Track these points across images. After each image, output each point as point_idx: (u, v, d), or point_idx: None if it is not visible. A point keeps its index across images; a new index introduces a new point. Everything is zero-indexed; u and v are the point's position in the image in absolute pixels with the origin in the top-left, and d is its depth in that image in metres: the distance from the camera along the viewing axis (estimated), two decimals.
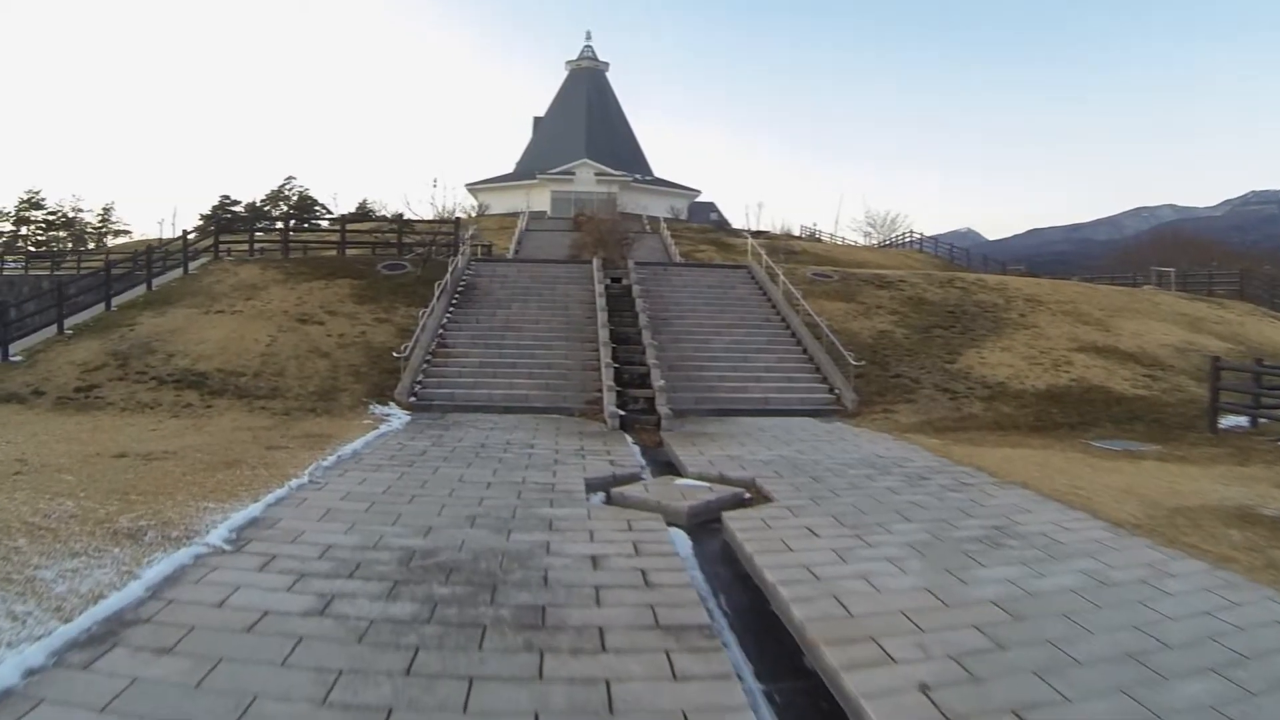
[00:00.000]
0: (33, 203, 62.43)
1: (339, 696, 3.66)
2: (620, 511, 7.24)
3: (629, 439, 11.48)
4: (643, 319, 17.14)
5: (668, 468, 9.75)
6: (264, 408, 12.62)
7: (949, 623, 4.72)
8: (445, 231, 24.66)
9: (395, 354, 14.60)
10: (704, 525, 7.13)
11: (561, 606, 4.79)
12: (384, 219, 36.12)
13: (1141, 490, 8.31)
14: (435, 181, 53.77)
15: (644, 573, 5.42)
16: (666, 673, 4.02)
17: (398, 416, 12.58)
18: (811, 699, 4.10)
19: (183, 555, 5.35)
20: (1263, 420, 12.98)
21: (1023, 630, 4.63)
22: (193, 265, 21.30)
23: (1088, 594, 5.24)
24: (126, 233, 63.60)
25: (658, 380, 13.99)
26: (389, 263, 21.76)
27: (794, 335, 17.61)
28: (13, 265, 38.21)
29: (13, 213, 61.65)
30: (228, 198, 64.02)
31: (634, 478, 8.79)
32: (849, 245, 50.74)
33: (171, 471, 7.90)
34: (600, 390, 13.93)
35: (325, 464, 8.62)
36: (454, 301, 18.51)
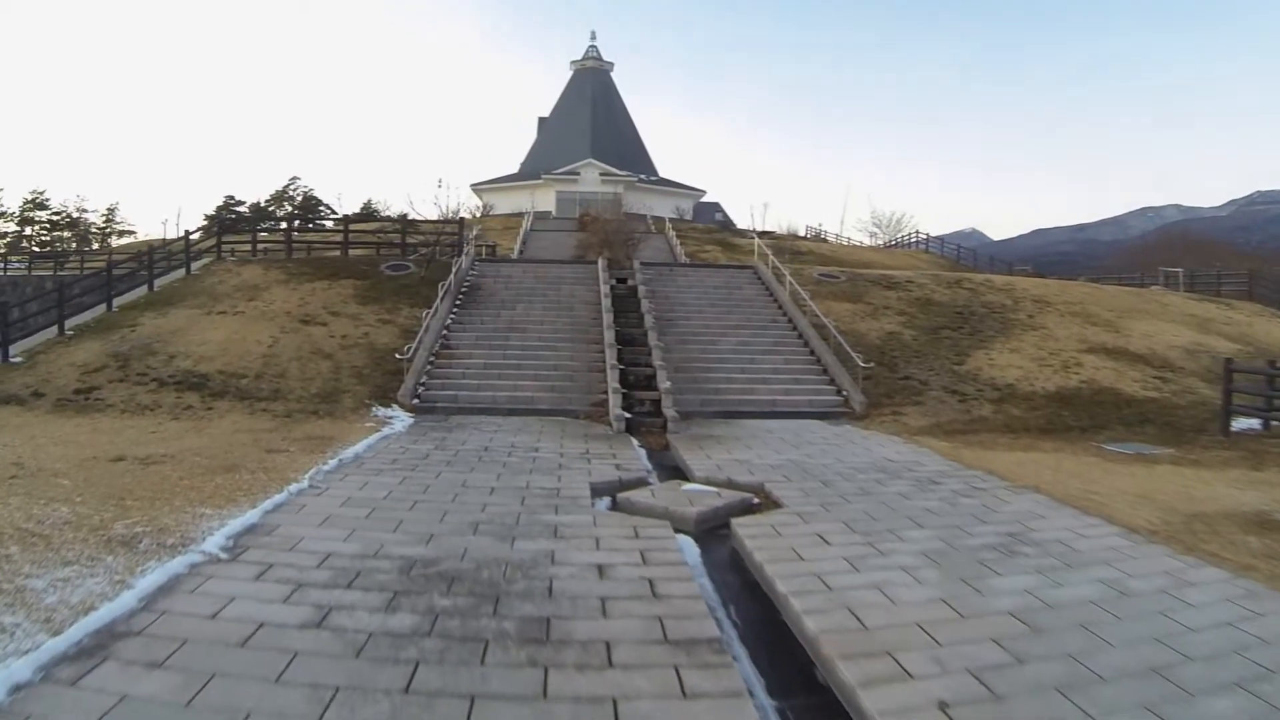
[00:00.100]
0: (37, 203, 62.49)
1: (335, 715, 3.52)
2: (626, 518, 7.09)
3: (635, 442, 11.34)
4: (648, 320, 16.99)
5: (674, 472, 9.60)
6: (265, 410, 12.49)
7: (966, 635, 4.57)
8: (449, 232, 24.50)
9: (398, 355, 14.46)
10: (712, 532, 6.99)
11: (567, 619, 4.65)
12: (388, 219, 36.00)
13: (1156, 495, 8.15)
14: (440, 182, 53.71)
15: (651, 583, 5.28)
16: (675, 690, 3.88)
17: (400, 419, 12.45)
18: (826, 717, 3.95)
19: (177, 564, 5.22)
20: (1275, 423, 12.79)
21: (1042, 643, 4.48)
22: (195, 266, 21.21)
23: (1107, 605, 5.09)
24: (131, 233, 63.64)
25: (664, 382, 13.84)
26: (392, 263, 21.63)
27: (801, 336, 17.45)
28: (16, 265, 38.12)
29: (17, 213, 61.76)
30: (232, 198, 64.11)
31: (640, 482, 8.66)
32: (854, 245, 50.53)
33: (169, 476, 7.77)
34: (605, 392, 13.78)
35: (326, 468, 8.49)
36: (458, 302, 18.38)
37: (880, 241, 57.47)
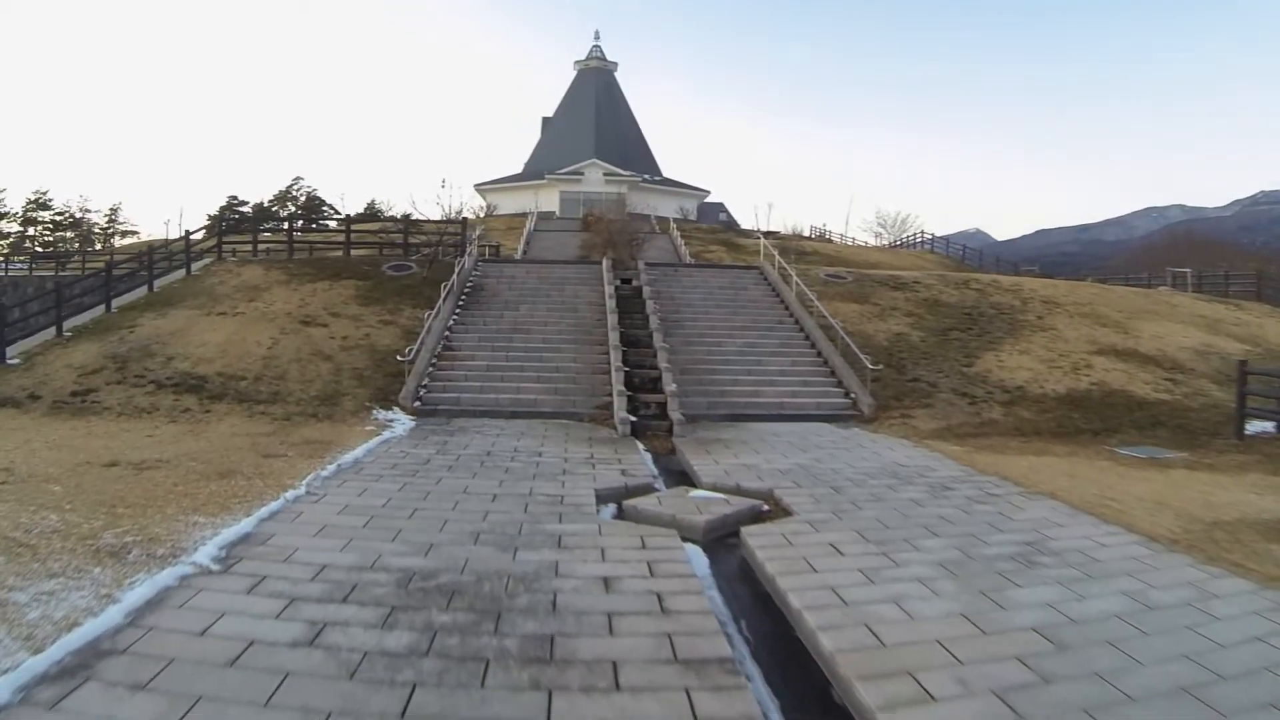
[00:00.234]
0: (40, 203, 62.55)
1: None
2: (633, 527, 6.88)
3: (640, 446, 11.12)
4: (653, 321, 16.78)
5: (681, 477, 9.39)
6: (264, 413, 12.29)
7: (989, 653, 4.37)
8: (452, 232, 24.32)
9: (400, 357, 14.26)
10: (721, 540, 6.79)
11: (571, 637, 4.44)
12: (391, 219, 35.82)
13: (1174, 502, 7.96)
14: (443, 182, 53.56)
15: (660, 597, 5.06)
16: (686, 714, 3.67)
17: (401, 422, 12.25)
18: None
19: (166, 576, 5.03)
20: None
21: (1068, 661, 4.29)
22: (196, 266, 21.07)
23: (1132, 619, 4.90)
24: (134, 233, 63.75)
25: (669, 384, 13.62)
26: (394, 263, 21.45)
27: (808, 338, 17.23)
28: (19, 266, 38.05)
29: (20, 213, 61.77)
30: (235, 198, 64.16)
31: (646, 489, 8.44)
32: (859, 246, 50.38)
33: (163, 482, 7.58)
34: (610, 395, 13.58)
35: (324, 474, 8.28)
36: (460, 303, 18.20)
37: (885, 242, 57.34)
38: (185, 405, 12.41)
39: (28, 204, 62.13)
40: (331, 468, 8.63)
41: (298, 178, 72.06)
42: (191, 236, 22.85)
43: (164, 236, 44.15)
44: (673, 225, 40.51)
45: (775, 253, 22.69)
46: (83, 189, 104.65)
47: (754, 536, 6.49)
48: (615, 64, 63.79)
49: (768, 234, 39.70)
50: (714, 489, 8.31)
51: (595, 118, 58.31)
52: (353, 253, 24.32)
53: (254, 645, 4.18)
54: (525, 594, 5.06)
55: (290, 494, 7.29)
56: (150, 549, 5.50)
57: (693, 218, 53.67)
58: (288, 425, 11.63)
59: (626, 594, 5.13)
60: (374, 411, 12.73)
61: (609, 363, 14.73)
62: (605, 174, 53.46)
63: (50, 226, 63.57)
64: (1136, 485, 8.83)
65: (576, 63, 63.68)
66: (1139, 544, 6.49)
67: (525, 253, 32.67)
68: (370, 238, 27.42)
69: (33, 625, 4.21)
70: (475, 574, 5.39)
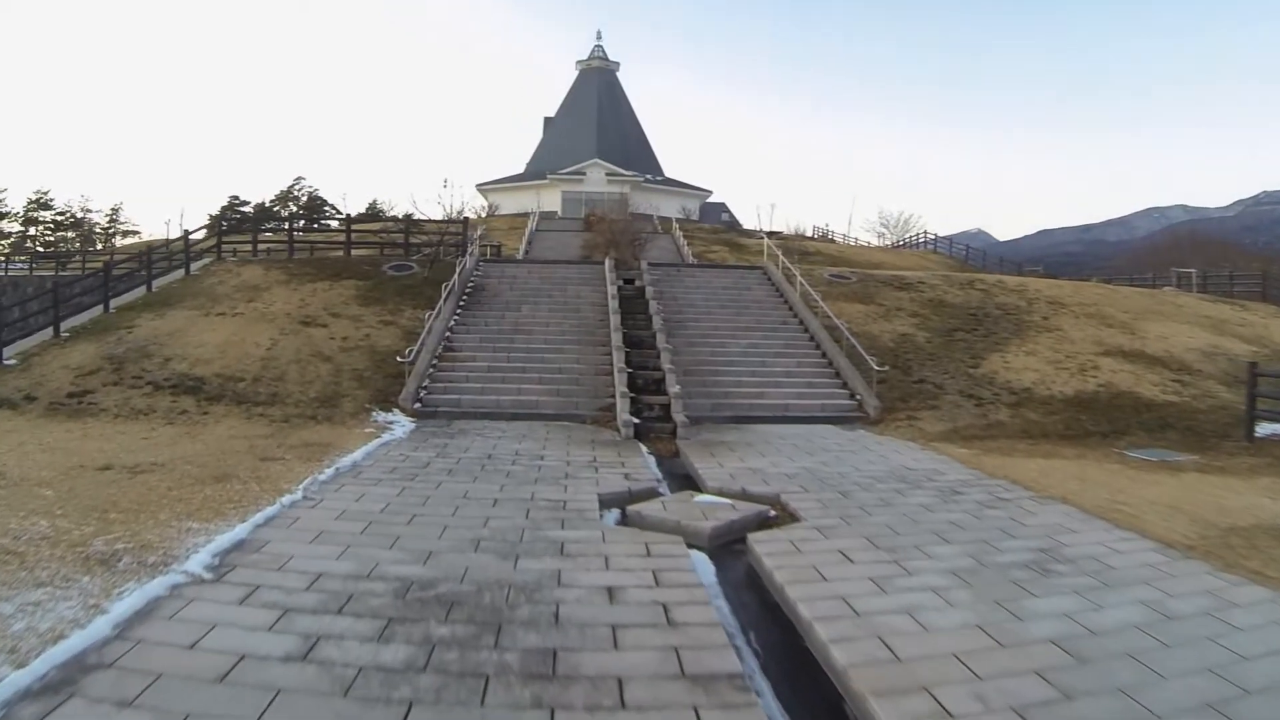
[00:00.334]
0: (41, 203, 62.55)
1: None
2: (637, 533, 6.71)
3: (644, 449, 10.97)
4: (657, 322, 16.61)
5: (685, 481, 9.24)
6: (262, 415, 12.14)
7: (1007, 667, 4.22)
8: (453, 232, 24.16)
9: (400, 358, 14.09)
10: (727, 547, 6.64)
11: (574, 651, 4.28)
12: (392, 219, 35.68)
13: (1188, 506, 7.82)
14: (445, 182, 53.43)
15: (666, 608, 4.90)
16: None
17: (401, 424, 12.09)
18: None
19: (157, 585, 4.88)
20: None
21: (1089, 676, 4.15)
22: (195, 266, 20.92)
23: (1152, 630, 4.76)
24: (135, 233, 63.73)
25: (673, 386, 13.45)
26: (395, 263, 21.29)
27: (813, 339, 17.06)
28: (19, 265, 37.97)
29: (21, 213, 61.75)
30: (236, 198, 64.16)
31: (651, 493, 8.28)
32: (862, 246, 50.24)
33: (157, 486, 7.43)
34: (613, 396, 13.41)
35: (322, 478, 8.13)
36: (462, 303, 18.04)
37: (888, 242, 57.21)
38: (183, 407, 12.27)
39: (29, 204, 62.18)
40: (329, 471, 8.48)
41: (299, 178, 71.99)
42: (191, 236, 22.70)
43: (165, 236, 44.07)
44: (675, 225, 40.36)
45: (779, 253, 22.52)
46: (84, 189, 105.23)
47: (761, 544, 6.34)
48: (617, 64, 63.71)
49: (770, 234, 39.53)
50: (719, 494, 8.15)
51: (597, 117, 58.23)
52: (353, 252, 24.18)
53: (245, 659, 4.03)
54: (527, 605, 4.90)
55: (287, 499, 7.14)
56: (141, 556, 5.35)
57: (695, 218, 53.58)
58: (286, 427, 11.48)
59: (631, 604, 4.98)
60: (374, 413, 12.58)
61: (612, 364, 14.56)
62: (607, 174, 53.37)
63: (51, 226, 63.59)
64: (1148, 489, 8.69)
65: (578, 62, 63.57)
66: (1154, 550, 6.36)
67: (527, 253, 32.54)
68: (371, 237, 27.27)
69: (17, 638, 4.08)
70: (475, 583, 5.23)
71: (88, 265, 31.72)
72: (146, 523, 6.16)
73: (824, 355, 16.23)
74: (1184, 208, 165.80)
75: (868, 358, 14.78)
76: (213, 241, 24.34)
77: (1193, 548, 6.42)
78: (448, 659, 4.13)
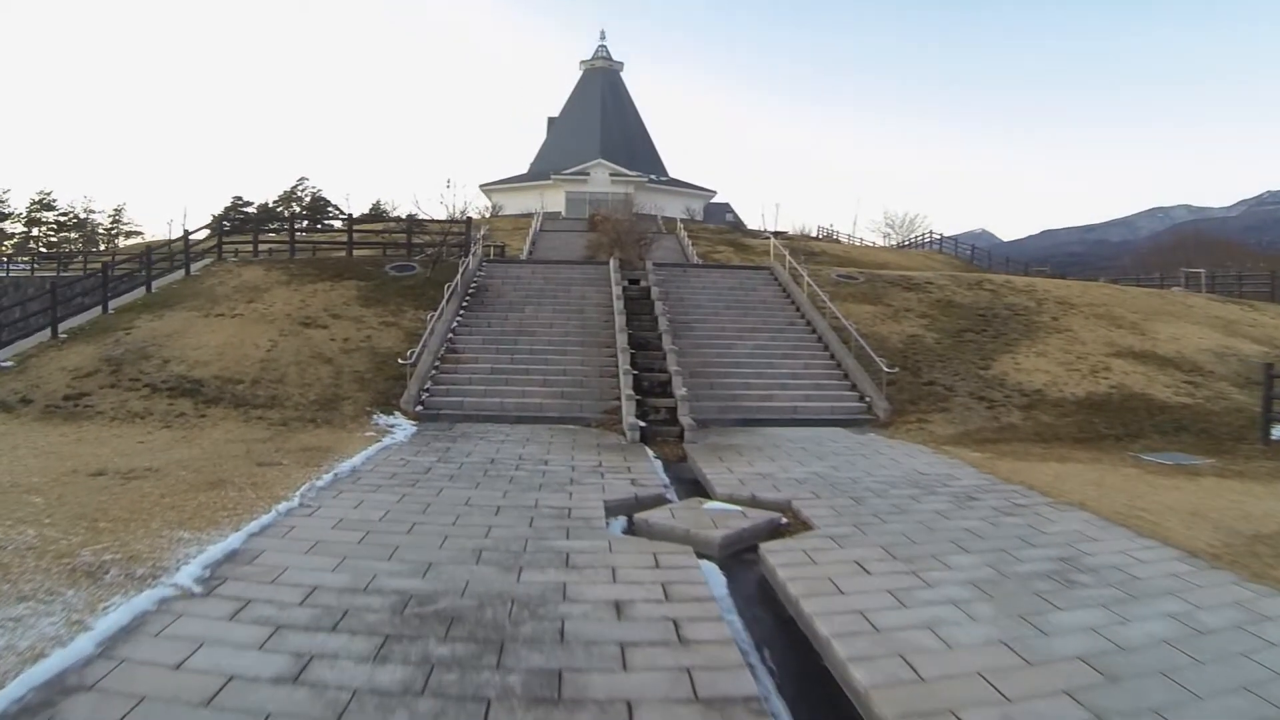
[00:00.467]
0: (44, 204, 62.55)
1: None
2: (645, 543, 6.49)
3: (650, 453, 10.74)
4: (662, 323, 16.36)
5: (693, 486, 9.00)
6: (261, 418, 11.92)
7: (1036, 688, 4.01)
8: (456, 232, 23.95)
9: (402, 360, 13.87)
10: (738, 556, 6.41)
11: (581, 671, 4.05)
12: (395, 219, 35.50)
13: (1209, 512, 7.60)
14: (449, 182, 53.28)
15: (676, 624, 4.67)
16: None
17: (403, 427, 11.87)
18: None
19: (144, 600, 4.66)
20: None
21: (1121, 695, 3.93)
22: (195, 266, 20.74)
23: (1183, 645, 4.55)
24: (138, 234, 63.71)
25: (679, 388, 13.22)
26: (397, 264, 21.09)
27: (820, 340, 16.83)
28: (20, 266, 37.86)
29: (24, 214, 61.76)
30: (240, 198, 64.13)
31: (658, 499, 8.05)
32: (868, 246, 49.99)
33: (150, 493, 7.21)
34: (618, 399, 13.17)
35: (320, 484, 7.90)
36: (464, 304, 17.82)
37: (893, 242, 56.97)
38: (180, 410, 12.06)
39: (32, 205, 62.24)
40: (328, 477, 8.26)
41: (303, 178, 72.14)
42: (191, 236, 22.53)
43: (166, 237, 43.95)
44: (680, 226, 40.17)
45: (785, 253, 22.27)
46: (87, 190, 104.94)
47: (774, 554, 6.11)
48: (621, 64, 63.50)
49: (775, 234, 39.29)
50: (729, 500, 7.92)
51: (601, 118, 58.04)
52: (355, 253, 24.00)
53: (233, 681, 3.81)
54: (530, 621, 4.67)
55: (283, 506, 6.92)
56: (129, 569, 5.13)
57: (699, 218, 53.43)
58: (285, 431, 11.27)
59: (640, 620, 4.75)
60: (374, 416, 12.36)
61: (617, 366, 14.35)
62: (611, 174, 53.18)
63: (54, 227, 63.59)
64: (1167, 494, 8.47)
65: (582, 62, 63.34)
66: (1179, 559, 6.14)
67: (531, 253, 32.32)
68: (374, 238, 27.09)
69: None
70: (477, 598, 5.00)
71: (89, 266, 31.56)
72: (137, 532, 5.95)
73: (832, 356, 16.00)
74: (1187, 208, 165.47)
75: (877, 359, 14.55)
76: (214, 242, 24.17)
77: (1218, 556, 6.20)
78: (447, 681, 3.90)
